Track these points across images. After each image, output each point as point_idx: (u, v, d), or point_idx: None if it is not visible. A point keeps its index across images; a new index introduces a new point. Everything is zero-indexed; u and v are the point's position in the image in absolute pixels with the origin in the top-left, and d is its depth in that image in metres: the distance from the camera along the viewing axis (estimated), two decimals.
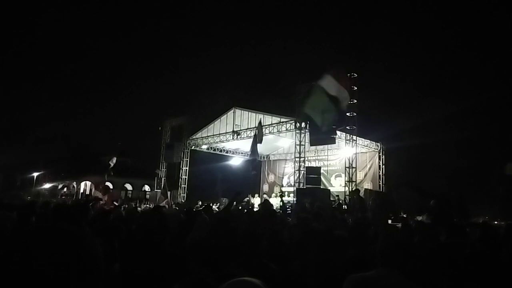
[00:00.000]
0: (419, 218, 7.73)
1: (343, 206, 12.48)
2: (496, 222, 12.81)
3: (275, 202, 13.68)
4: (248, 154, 20.44)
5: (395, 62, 44.05)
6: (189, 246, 3.48)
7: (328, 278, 2.60)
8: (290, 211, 12.07)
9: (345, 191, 15.59)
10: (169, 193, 19.82)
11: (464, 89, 32.65)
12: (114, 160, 20.88)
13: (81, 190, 30.89)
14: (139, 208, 13.02)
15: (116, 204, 13.05)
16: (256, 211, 8.81)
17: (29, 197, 22.02)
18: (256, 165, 19.83)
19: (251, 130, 17.92)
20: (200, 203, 15.08)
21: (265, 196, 18.45)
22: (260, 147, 16.77)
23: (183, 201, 20.18)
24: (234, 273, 1.97)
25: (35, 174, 32.13)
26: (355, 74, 15.17)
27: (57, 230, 0.84)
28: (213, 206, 14.97)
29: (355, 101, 15.25)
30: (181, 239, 3.90)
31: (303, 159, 16.35)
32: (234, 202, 7.76)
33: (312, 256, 2.99)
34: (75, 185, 32.13)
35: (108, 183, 22.37)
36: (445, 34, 41.02)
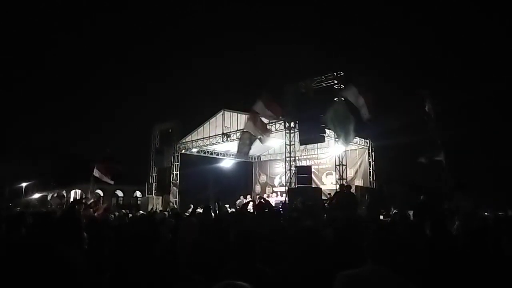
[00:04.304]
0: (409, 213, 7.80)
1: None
2: (486, 214, 13.02)
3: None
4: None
5: (382, 60, 44.49)
6: (179, 250, 3.46)
7: (320, 278, 2.60)
8: (282, 211, 12.04)
9: (336, 189, 15.66)
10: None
11: (448, 88, 33.18)
12: (98, 172, 19.45)
13: (71, 199, 30.52)
14: (130, 215, 12.84)
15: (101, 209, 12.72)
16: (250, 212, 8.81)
17: (18, 208, 21.64)
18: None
19: (240, 132, 17.88)
20: (192, 206, 14.97)
21: (257, 197, 18.43)
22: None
23: (175, 206, 20.05)
24: (226, 278, 1.96)
25: (24, 184, 31.62)
26: (341, 72, 15.25)
27: (35, 246, 0.83)
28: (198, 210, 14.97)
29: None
30: (172, 245, 3.88)
31: (293, 158, 16.39)
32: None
33: (304, 257, 3.00)
34: (64, 194, 31.75)
35: (98, 191, 21.70)
36: (431, 34, 41.58)
